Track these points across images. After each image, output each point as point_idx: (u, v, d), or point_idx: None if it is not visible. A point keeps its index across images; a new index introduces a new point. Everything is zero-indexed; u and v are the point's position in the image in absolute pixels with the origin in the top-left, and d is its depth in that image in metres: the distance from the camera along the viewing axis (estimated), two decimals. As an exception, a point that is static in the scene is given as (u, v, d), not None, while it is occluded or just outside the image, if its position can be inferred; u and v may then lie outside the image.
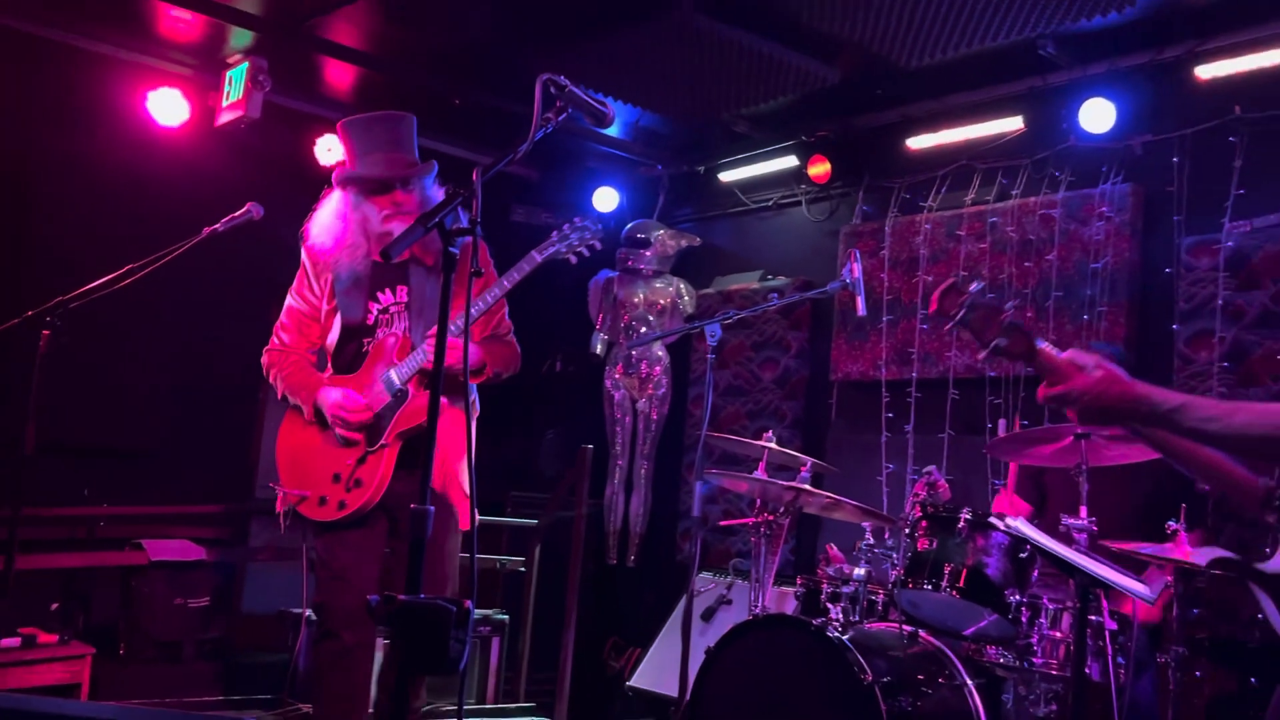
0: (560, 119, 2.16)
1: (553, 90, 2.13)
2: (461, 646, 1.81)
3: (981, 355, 2.38)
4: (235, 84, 5.20)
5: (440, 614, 1.79)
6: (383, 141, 3.47)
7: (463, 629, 1.80)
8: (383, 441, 3.35)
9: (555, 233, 3.39)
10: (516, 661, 5.53)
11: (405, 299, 3.49)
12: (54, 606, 4.80)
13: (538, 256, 3.32)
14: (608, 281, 6.12)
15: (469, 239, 2.07)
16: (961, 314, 2.16)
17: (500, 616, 5.48)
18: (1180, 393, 2.17)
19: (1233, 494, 2.20)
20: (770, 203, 6.25)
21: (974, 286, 2.20)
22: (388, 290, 3.47)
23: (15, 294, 3.52)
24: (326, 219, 3.47)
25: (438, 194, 3.47)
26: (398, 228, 3.19)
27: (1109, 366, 2.02)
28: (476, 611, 4.96)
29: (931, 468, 4.22)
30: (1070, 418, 2.09)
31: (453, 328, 2.99)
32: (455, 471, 3.45)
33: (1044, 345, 2.16)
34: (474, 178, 2.10)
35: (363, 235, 3.41)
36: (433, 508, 1.93)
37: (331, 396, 3.35)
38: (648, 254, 6.15)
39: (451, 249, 2.02)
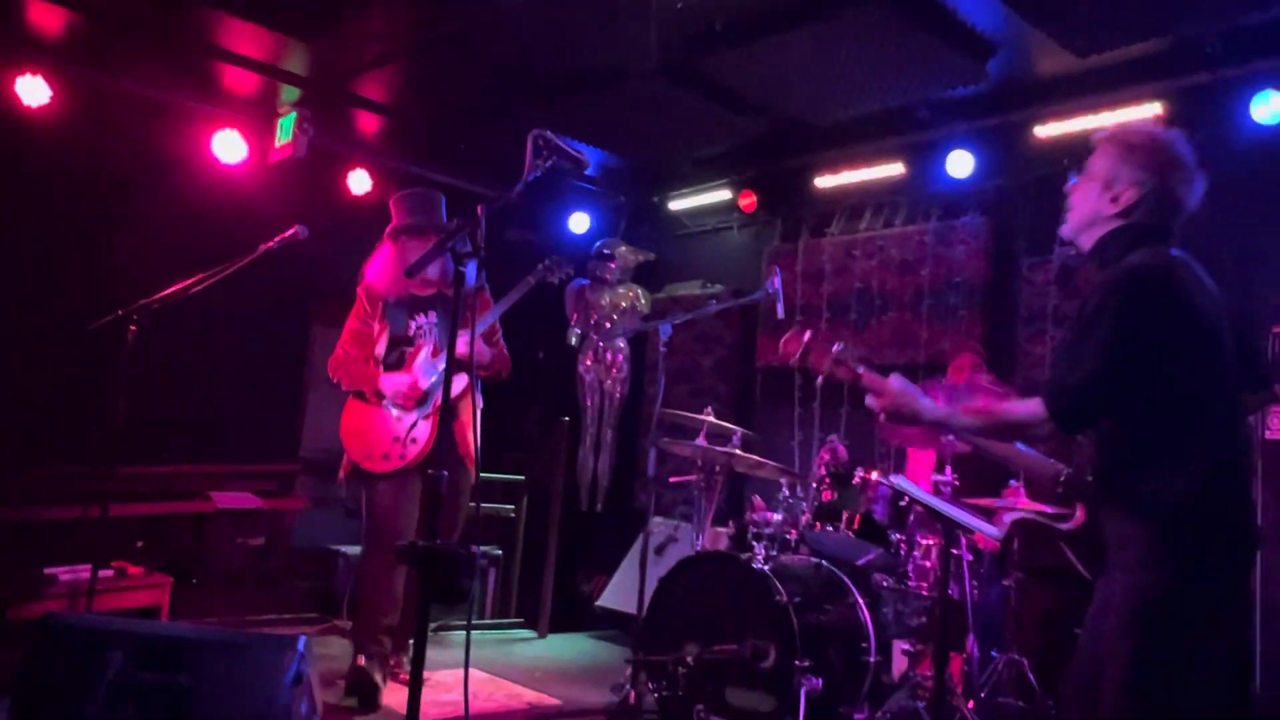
0: (547, 165, 2.22)
1: (540, 143, 2.18)
2: (470, 583, 1.87)
3: (819, 380, 2.65)
4: (285, 129, 5.19)
5: (454, 559, 1.85)
6: (421, 208, 3.69)
7: (470, 570, 1.85)
8: (429, 410, 3.68)
9: (540, 265, 3.81)
10: (509, 586, 5.60)
11: (435, 319, 3.87)
12: (140, 545, 4.77)
13: (531, 280, 3.78)
14: (580, 288, 6.14)
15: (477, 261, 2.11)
16: (799, 355, 2.47)
17: (495, 552, 5.54)
18: (948, 407, 2.26)
19: (1030, 475, 2.58)
20: (709, 227, 6.31)
21: (806, 335, 2.52)
22: (421, 314, 3.89)
23: (109, 297, 3.50)
24: (380, 265, 3.85)
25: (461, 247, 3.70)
26: (432, 272, 3.53)
27: (906, 389, 2.25)
28: (481, 547, 5.05)
29: (833, 436, 4.32)
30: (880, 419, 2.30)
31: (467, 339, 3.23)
32: (469, 440, 3.63)
33: (864, 370, 2.40)
34: (479, 212, 2.14)
35: (401, 276, 3.66)
36: (445, 473, 2.00)
37: (392, 381, 3.75)
38: (612, 266, 6.18)
39: (461, 268, 2.07)
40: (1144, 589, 1.87)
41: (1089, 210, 2.15)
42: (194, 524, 4.93)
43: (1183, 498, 1.88)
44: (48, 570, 4.17)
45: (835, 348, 2.48)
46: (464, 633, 5.18)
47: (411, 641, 3.92)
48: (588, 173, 6.31)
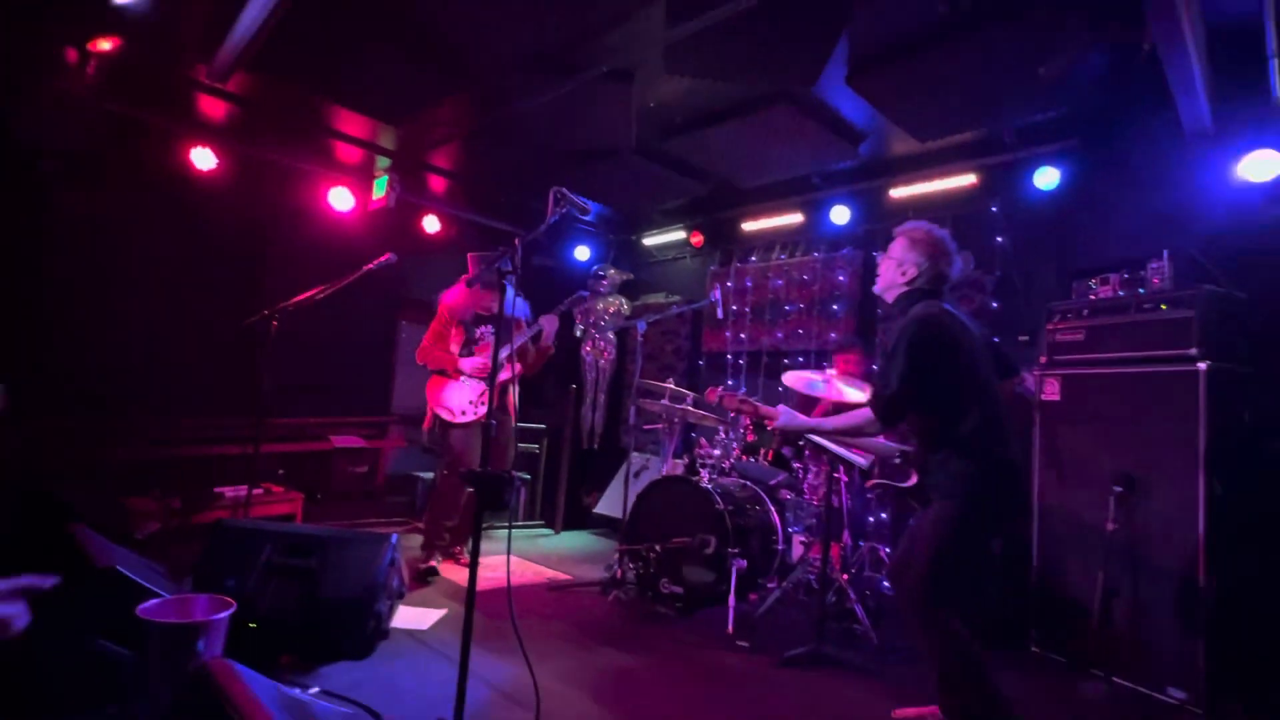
0: (562, 211, 2.19)
1: (558, 195, 2.15)
2: (512, 497, 1.85)
3: (731, 414, 2.91)
4: (379, 187, 5.09)
5: (501, 481, 1.82)
6: (487, 262, 3.75)
7: (512, 489, 1.83)
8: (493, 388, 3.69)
9: (566, 300, 4.08)
10: (534, 500, 5.57)
11: (493, 330, 3.88)
12: (281, 472, 4.72)
13: (562, 308, 4.03)
14: (582, 298, 6.08)
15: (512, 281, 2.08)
16: (717, 400, 2.96)
17: (525, 477, 5.49)
18: (815, 419, 2.62)
19: (879, 455, 3.26)
20: (670, 256, 6.26)
21: (720, 390, 3.02)
22: (484, 325, 3.97)
23: (258, 303, 3.45)
24: (456, 295, 3.98)
25: (515, 296, 3.90)
26: (491, 300, 3.82)
27: (788, 414, 2.59)
28: (515, 473, 5.06)
29: (754, 396, 4.32)
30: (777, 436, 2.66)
31: (518, 340, 3.43)
32: (514, 404, 3.68)
33: (759, 405, 2.77)
34: (515, 243, 2.11)
35: (473, 303, 3.65)
36: (495, 420, 1.97)
37: (470, 362, 3.84)
38: (605, 282, 6.14)
39: (504, 281, 2.04)
40: (945, 506, 2.19)
41: (888, 278, 2.44)
42: (318, 458, 4.87)
43: (963, 455, 2.18)
44: (218, 489, 4.12)
45: (739, 394, 2.89)
46: (505, 531, 5.22)
47: (470, 538, 3.99)
48: (589, 218, 6.26)
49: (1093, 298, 3.27)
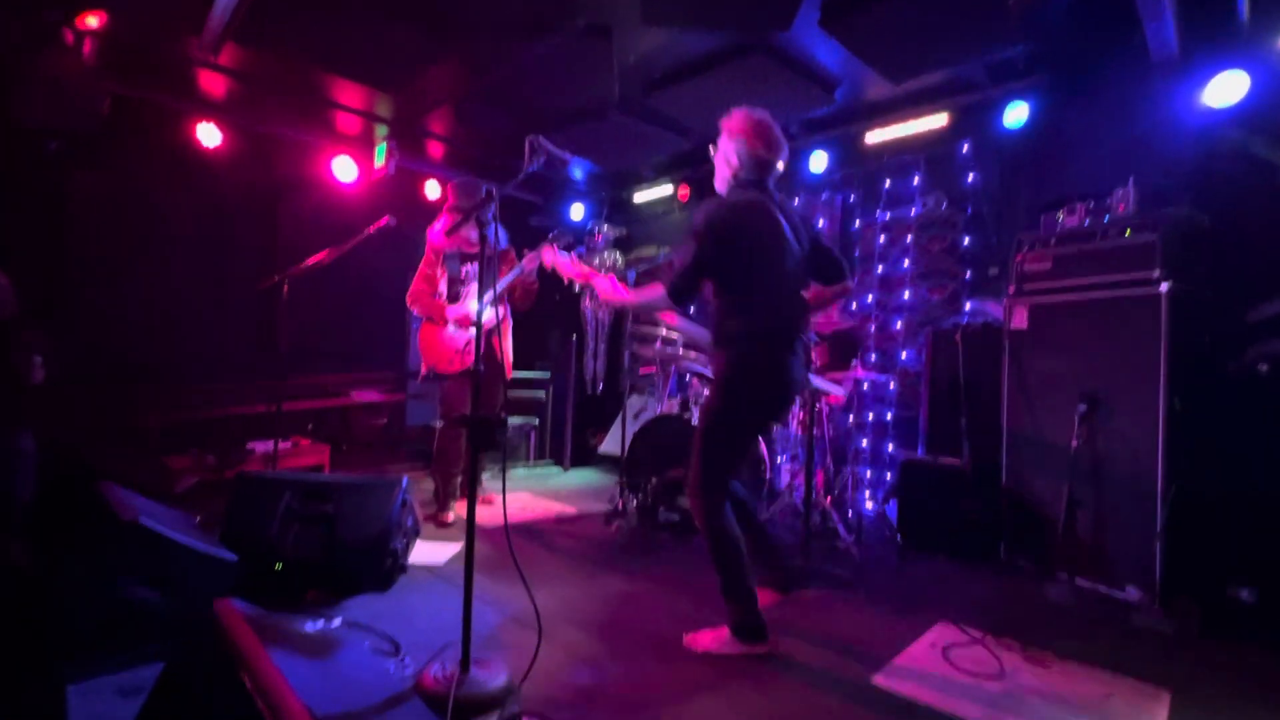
0: (541, 161, 2.04)
1: (534, 145, 2.00)
2: (503, 437, 1.77)
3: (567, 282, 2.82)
4: (380, 154, 4.90)
5: (490, 422, 1.74)
6: (468, 193, 3.48)
7: (502, 429, 1.75)
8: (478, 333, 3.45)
9: (549, 235, 3.41)
10: (543, 441, 5.55)
11: (475, 269, 3.60)
12: (310, 427, 4.69)
13: (527, 260, 3.46)
14: (580, 254, 5.89)
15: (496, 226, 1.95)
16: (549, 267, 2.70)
17: (534, 421, 5.46)
18: (625, 293, 2.38)
19: (695, 342, 3.22)
20: (659, 211, 6.06)
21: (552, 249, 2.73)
22: (468, 264, 3.63)
23: (271, 267, 3.34)
24: (439, 228, 3.60)
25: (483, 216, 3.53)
26: (473, 235, 3.45)
27: (609, 286, 2.36)
28: (523, 418, 4.95)
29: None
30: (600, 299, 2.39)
31: (501, 283, 3.07)
32: (506, 350, 3.53)
33: (584, 273, 2.55)
34: (493, 192, 1.97)
35: (458, 239, 3.41)
36: (482, 367, 1.87)
37: (455, 310, 3.54)
38: (599, 238, 5.94)
39: (483, 232, 1.91)
40: (711, 395, 2.14)
41: (719, 173, 2.28)
42: (341, 412, 4.84)
43: (731, 346, 2.10)
44: (250, 445, 4.09)
45: (574, 255, 2.67)
46: (518, 470, 5.22)
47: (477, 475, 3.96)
48: (579, 176, 6.05)
49: (1060, 228, 3.12)
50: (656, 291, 2.13)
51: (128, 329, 4.07)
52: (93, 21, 3.12)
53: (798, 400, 3.65)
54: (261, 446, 4.03)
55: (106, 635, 1.79)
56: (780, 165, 2.20)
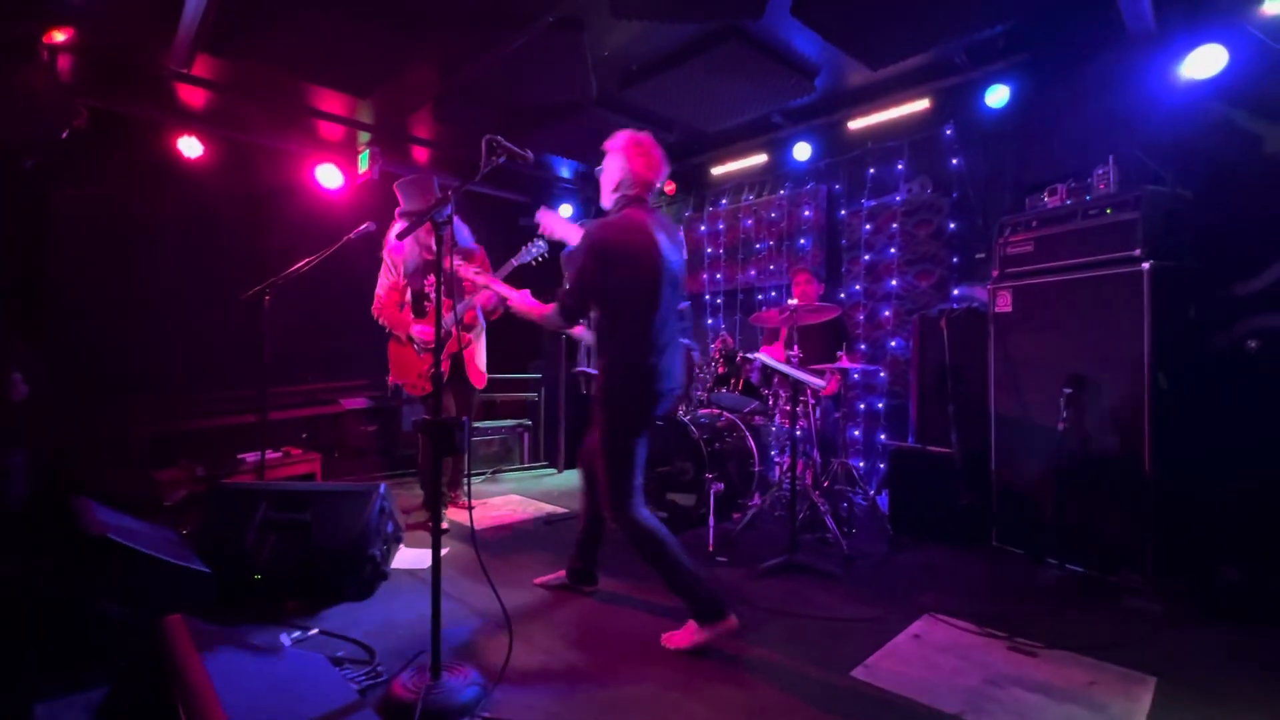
0: (500, 159, 1.99)
1: (493, 144, 1.96)
2: (462, 440, 1.73)
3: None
4: (363, 160, 4.88)
5: (448, 426, 1.71)
6: (420, 191, 3.36)
7: (461, 433, 1.72)
8: (443, 352, 3.34)
9: (523, 249, 3.24)
10: (537, 443, 5.52)
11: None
12: (304, 435, 4.68)
13: (514, 263, 3.25)
14: (570, 252, 5.88)
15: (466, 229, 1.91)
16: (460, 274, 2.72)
17: (527, 423, 5.44)
18: (530, 306, 2.36)
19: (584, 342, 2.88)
20: (648, 207, 6.03)
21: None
22: (433, 274, 3.43)
23: (258, 277, 3.31)
24: (399, 244, 3.43)
25: (458, 222, 3.39)
26: (431, 241, 3.12)
27: (522, 296, 2.37)
28: (515, 420, 4.91)
29: (722, 330, 4.20)
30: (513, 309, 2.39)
31: (466, 302, 3.00)
32: (476, 368, 3.49)
33: (494, 281, 2.54)
34: (447, 194, 1.94)
35: (416, 245, 3.34)
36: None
37: (418, 330, 3.40)
38: (588, 237, 5.94)
39: (439, 234, 1.88)
40: (601, 412, 2.19)
41: (604, 188, 2.30)
42: (331, 420, 4.81)
43: (612, 361, 2.17)
44: (240, 455, 4.08)
45: (475, 271, 2.65)
46: (511, 474, 5.20)
47: (463, 478, 3.91)
48: (568, 176, 6.01)
49: (1040, 210, 3.06)
50: (552, 310, 2.24)
51: (115, 342, 4.06)
52: (60, 36, 3.11)
53: (783, 392, 3.62)
54: (253, 457, 4.01)
55: (75, 651, 1.78)
56: (658, 184, 2.31)
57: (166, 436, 4.14)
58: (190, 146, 4.32)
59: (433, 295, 3.45)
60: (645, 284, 2.15)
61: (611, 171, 2.27)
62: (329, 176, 4.86)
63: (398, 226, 3.42)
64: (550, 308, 2.25)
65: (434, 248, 3.23)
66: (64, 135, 3.33)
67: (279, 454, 4.20)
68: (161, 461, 3.99)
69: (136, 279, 4.22)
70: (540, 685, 1.89)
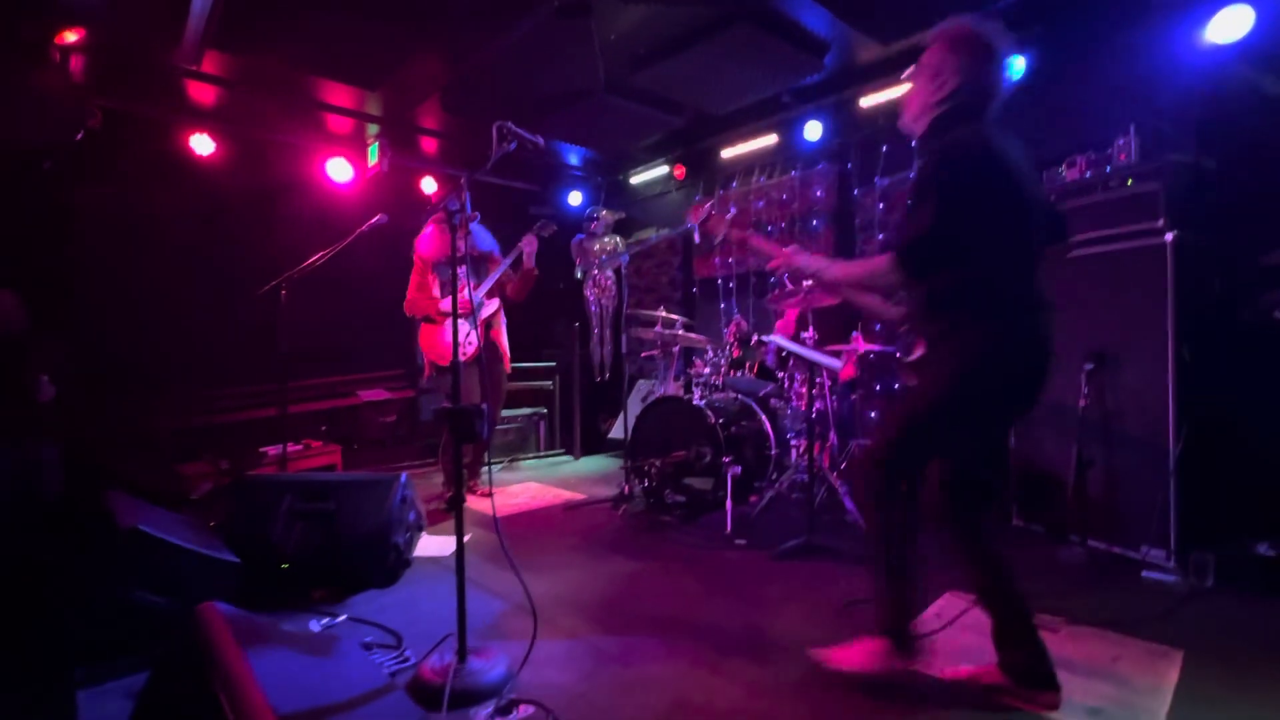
0: (511, 146, 1.99)
1: (504, 131, 1.96)
2: (481, 428, 1.74)
3: (716, 245, 2.20)
4: (373, 153, 4.88)
5: (468, 413, 1.72)
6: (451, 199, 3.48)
7: (480, 420, 1.73)
8: (476, 324, 3.42)
9: (536, 225, 3.42)
10: (553, 430, 5.55)
11: (465, 270, 3.53)
12: (323, 428, 4.74)
13: (532, 235, 3.42)
14: (580, 241, 5.89)
15: (467, 217, 1.93)
16: (699, 224, 1.99)
17: (542, 411, 5.47)
18: (825, 260, 1.88)
19: (881, 319, 2.00)
20: (656, 192, 5.97)
21: (708, 206, 1.99)
22: (459, 267, 3.56)
23: (273, 270, 3.37)
24: (426, 240, 3.64)
25: (480, 229, 3.67)
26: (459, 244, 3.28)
27: (790, 250, 1.92)
28: (531, 409, 4.95)
29: (736, 314, 4.17)
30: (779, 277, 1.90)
31: (489, 283, 3.04)
32: (503, 343, 3.53)
33: (751, 234, 2.01)
34: (462, 181, 1.94)
35: (442, 240, 3.40)
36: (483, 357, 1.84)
37: (445, 303, 3.57)
38: (598, 223, 5.90)
39: (453, 223, 1.88)
40: (939, 380, 1.65)
41: (922, 98, 1.72)
42: (351, 412, 4.87)
43: (977, 323, 1.60)
44: (262, 449, 4.14)
45: (729, 215, 2.03)
46: (528, 462, 5.23)
47: (483, 468, 3.98)
48: (577, 163, 5.99)
49: (1059, 183, 3.01)
50: (879, 264, 1.65)
51: (136, 338, 4.12)
52: (71, 37, 3.13)
53: (798, 374, 3.61)
54: (274, 450, 4.08)
55: (114, 640, 1.83)
56: (1000, 99, 1.74)
57: (190, 431, 4.21)
58: (202, 144, 4.36)
59: (460, 282, 3.54)
60: (1025, 222, 1.62)
61: (944, 70, 1.68)
62: (339, 170, 4.88)
63: (427, 230, 3.63)
64: (878, 262, 1.66)
65: (459, 246, 3.47)
66: (79, 136, 3.36)
67: (299, 446, 4.26)
68: (186, 455, 4.07)
69: (155, 277, 4.27)
70: (565, 666, 1.92)
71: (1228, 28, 2.73)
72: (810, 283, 1.92)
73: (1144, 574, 2.52)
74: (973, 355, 1.60)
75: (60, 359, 3.66)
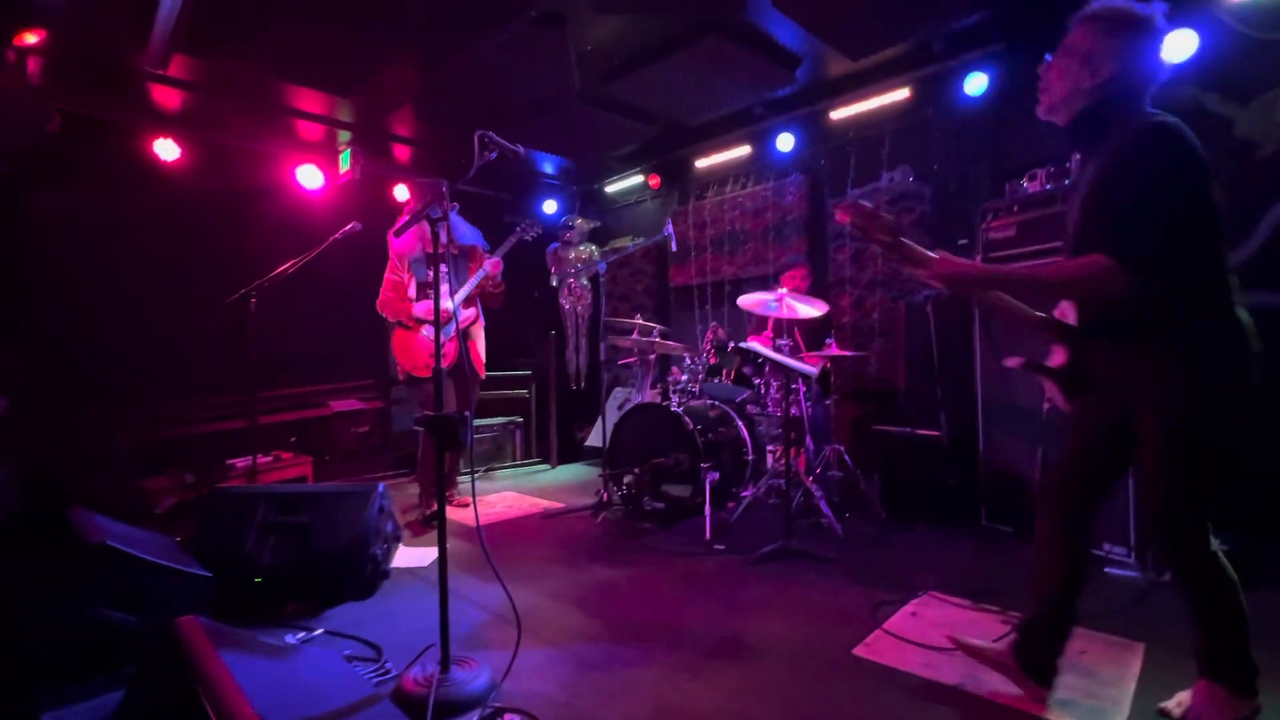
0: (492, 155, 1.99)
1: (485, 140, 1.97)
2: (466, 436, 1.75)
3: (878, 250, 1.84)
4: (344, 160, 4.84)
5: (452, 421, 1.73)
6: (427, 191, 3.47)
7: (464, 428, 1.74)
8: (451, 333, 3.40)
9: (519, 226, 3.39)
10: (529, 439, 5.53)
11: (445, 269, 3.45)
12: (293, 439, 4.64)
13: (512, 240, 3.45)
14: (555, 249, 5.91)
15: (463, 223, 1.92)
16: (851, 223, 1.68)
17: (518, 420, 5.44)
18: (995, 267, 1.65)
19: (1020, 322, 1.75)
20: (632, 200, 6.03)
21: (866, 206, 1.68)
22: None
23: (240, 279, 3.32)
24: (403, 235, 3.51)
25: (458, 220, 3.53)
26: (441, 236, 3.28)
27: (951, 258, 1.64)
28: (507, 417, 4.92)
29: (714, 323, 4.22)
30: (935, 286, 1.64)
31: (470, 285, 3.03)
32: (478, 352, 3.52)
33: (906, 241, 1.68)
34: (443, 189, 1.95)
35: (419, 239, 3.36)
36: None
37: (423, 307, 3.49)
38: (573, 232, 5.93)
39: (435, 230, 1.89)
40: (1188, 404, 1.43)
41: (1069, 82, 1.56)
42: (321, 423, 4.78)
43: (1205, 329, 1.42)
44: (229, 461, 4.05)
45: (889, 216, 1.69)
46: (504, 471, 5.20)
47: (459, 477, 3.94)
48: (551, 171, 6.00)
49: (1021, 194, 3.14)
50: (1091, 268, 1.40)
51: (97, 349, 4.00)
52: (31, 39, 3.05)
53: (774, 381, 3.67)
54: (242, 462, 3.99)
55: (81, 660, 1.77)
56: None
57: (153, 444, 4.09)
58: (167, 149, 4.26)
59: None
60: (1219, 219, 1.43)
61: (1098, 52, 1.50)
62: (310, 177, 4.82)
63: (403, 233, 3.51)
64: (1086, 265, 1.42)
65: (443, 243, 3.44)
66: (39, 140, 3.27)
67: (269, 459, 4.17)
68: (149, 469, 3.94)
69: (117, 285, 4.15)
70: (548, 674, 1.92)
71: (1175, 49, 2.88)
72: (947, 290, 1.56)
73: (1106, 570, 2.63)
74: (1208, 367, 1.42)
75: (16, 370, 3.53)
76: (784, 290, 3.42)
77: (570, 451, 5.62)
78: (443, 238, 1.84)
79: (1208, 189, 1.39)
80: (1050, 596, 1.71)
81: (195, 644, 1.17)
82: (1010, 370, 3.08)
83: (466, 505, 3.88)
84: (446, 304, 3.48)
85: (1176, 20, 2.87)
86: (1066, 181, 2.98)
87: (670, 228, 3.77)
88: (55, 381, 3.75)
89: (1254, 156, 2.84)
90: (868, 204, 1.74)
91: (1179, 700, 1.64)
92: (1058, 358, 1.71)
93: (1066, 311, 1.71)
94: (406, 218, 3.52)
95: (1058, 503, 1.71)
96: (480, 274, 3.38)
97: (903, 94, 4.07)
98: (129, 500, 3.62)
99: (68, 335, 3.93)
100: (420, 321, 3.51)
